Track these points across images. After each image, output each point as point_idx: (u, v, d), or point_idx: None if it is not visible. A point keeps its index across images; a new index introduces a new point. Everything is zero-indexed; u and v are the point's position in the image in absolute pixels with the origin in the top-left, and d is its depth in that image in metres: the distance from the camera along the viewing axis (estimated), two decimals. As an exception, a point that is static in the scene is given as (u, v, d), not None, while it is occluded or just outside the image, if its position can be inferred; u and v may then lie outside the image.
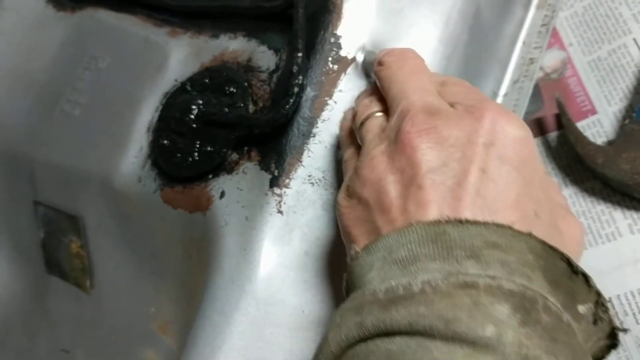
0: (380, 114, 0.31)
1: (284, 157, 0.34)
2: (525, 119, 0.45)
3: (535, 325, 0.22)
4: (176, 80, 0.41)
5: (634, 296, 0.37)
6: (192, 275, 0.37)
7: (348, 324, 0.24)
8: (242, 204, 0.35)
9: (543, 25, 0.41)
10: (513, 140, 0.26)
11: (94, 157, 0.43)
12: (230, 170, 0.36)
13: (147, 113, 0.41)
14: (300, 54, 0.34)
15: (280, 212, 0.34)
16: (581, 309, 0.24)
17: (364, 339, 0.23)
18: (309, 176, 0.34)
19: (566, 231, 0.27)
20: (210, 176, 0.36)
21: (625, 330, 0.26)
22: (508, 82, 0.41)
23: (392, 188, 0.26)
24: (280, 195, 0.34)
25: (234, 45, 0.40)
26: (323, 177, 0.35)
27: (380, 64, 0.33)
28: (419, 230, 0.24)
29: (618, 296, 0.37)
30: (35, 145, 0.46)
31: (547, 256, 0.24)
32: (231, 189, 0.35)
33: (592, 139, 0.42)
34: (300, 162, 0.34)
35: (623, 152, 0.38)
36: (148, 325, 0.40)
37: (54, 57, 0.49)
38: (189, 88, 0.39)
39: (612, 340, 0.25)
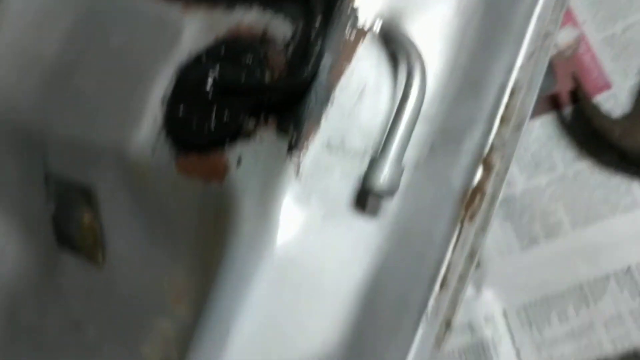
0: None
1: (302, 123, 0.34)
2: (539, 96, 0.45)
3: None
4: (190, 54, 0.41)
5: (652, 264, 0.37)
6: (208, 244, 0.37)
7: None
8: (260, 170, 0.34)
9: (558, -1, 0.41)
10: None
11: (107, 130, 0.43)
12: (247, 137, 0.36)
13: (161, 85, 0.41)
14: (319, 18, 0.34)
15: (298, 177, 0.34)
16: None
17: None
18: (327, 142, 0.34)
19: None
20: (227, 143, 0.36)
21: None
22: (523, 55, 0.40)
23: None
24: (298, 163, 0.34)
25: (249, 17, 0.40)
26: (341, 143, 0.35)
27: None
28: None
29: (637, 265, 0.37)
30: (47, 120, 0.46)
31: None
32: (248, 156, 0.35)
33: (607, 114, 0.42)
34: (318, 128, 0.34)
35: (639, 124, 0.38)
36: (162, 296, 0.40)
37: (66, 35, 0.49)
38: (204, 59, 0.39)
39: None
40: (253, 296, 0.32)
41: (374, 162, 0.33)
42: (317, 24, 0.34)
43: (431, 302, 0.35)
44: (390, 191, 0.32)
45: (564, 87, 0.44)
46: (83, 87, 0.46)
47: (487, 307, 0.40)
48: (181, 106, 0.38)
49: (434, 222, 0.37)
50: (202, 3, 0.43)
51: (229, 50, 0.38)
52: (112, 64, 0.45)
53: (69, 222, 0.45)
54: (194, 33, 0.42)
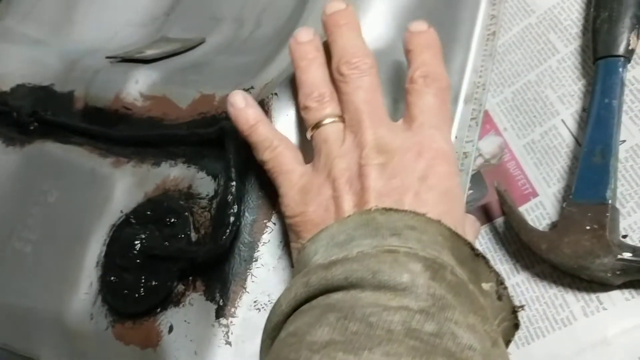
0: (334, 119, 0.34)
1: (227, 285, 0.35)
2: (471, 207, 0.46)
3: (442, 281, 0.27)
4: (121, 212, 0.41)
5: (596, 382, 0.37)
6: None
7: (297, 285, 0.28)
8: (190, 338, 0.34)
9: (472, 119, 0.43)
10: (441, 175, 0.32)
11: (46, 296, 0.43)
12: (177, 303, 0.36)
13: (96, 247, 0.41)
14: (233, 183, 0.35)
15: (228, 342, 0.34)
16: (485, 286, 0.30)
17: (309, 298, 0.28)
18: (255, 302, 0.35)
19: (467, 227, 0.34)
20: (159, 310, 0.36)
21: (522, 307, 0.32)
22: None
23: (347, 202, 0.31)
24: (227, 326, 0.34)
25: (174, 173, 0.41)
26: (269, 301, 0.35)
27: (340, 66, 0.35)
28: (354, 218, 0.30)
29: (579, 385, 0.37)
30: (-11, 287, 0.46)
31: (453, 239, 0.30)
32: (179, 322, 0.35)
33: (536, 222, 0.43)
34: (245, 288, 0.35)
35: (565, 236, 0.39)
36: None
37: (4, 193, 0.50)
38: (133, 221, 0.40)
39: (514, 320, 0.30)
40: None
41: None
42: (232, 188, 0.35)
43: None
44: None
45: (494, 197, 0.45)
46: (22, 249, 0.46)
47: None
48: (113, 272, 0.39)
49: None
50: (132, 158, 0.44)
51: (155, 211, 0.39)
52: (50, 222, 0.46)
53: (16, 393, 0.44)
54: (125, 189, 0.43)
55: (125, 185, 0.43)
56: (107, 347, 0.38)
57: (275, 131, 0.36)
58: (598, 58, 0.44)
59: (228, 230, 0.34)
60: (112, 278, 0.38)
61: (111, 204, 0.43)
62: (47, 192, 0.47)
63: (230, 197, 0.35)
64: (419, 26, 0.37)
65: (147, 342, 0.36)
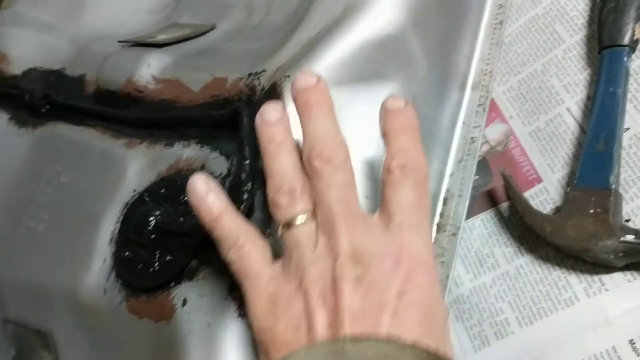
0: (306, 216, 0.32)
1: (240, 261, 0.35)
2: (476, 193, 0.47)
3: None
4: (135, 191, 0.42)
5: (597, 361, 0.38)
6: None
7: None
8: (204, 311, 0.35)
9: (480, 105, 0.44)
10: (421, 287, 0.30)
11: (59, 272, 0.43)
12: (191, 277, 0.37)
13: (109, 225, 0.42)
14: (247, 161, 0.36)
15: (241, 315, 0.34)
16: None
17: None
18: (267, 277, 0.35)
19: (449, 340, 0.31)
20: (172, 284, 0.37)
21: None
22: (452, 162, 0.43)
23: (319, 321, 0.29)
24: (240, 299, 0.35)
25: (187, 153, 0.42)
26: (280, 276, 0.36)
27: (312, 159, 0.32)
28: (323, 348, 0.28)
29: (582, 361, 0.38)
30: (1, 263, 0.47)
31: None
32: (193, 296, 0.36)
33: (540, 207, 0.44)
34: (257, 264, 0.35)
35: (568, 220, 0.40)
36: None
37: (18, 174, 0.51)
38: (146, 199, 0.41)
39: None
40: None
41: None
42: (246, 166, 0.35)
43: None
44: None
45: (499, 183, 0.46)
46: (35, 227, 0.47)
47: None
48: (127, 248, 0.40)
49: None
50: (144, 139, 0.45)
51: (169, 189, 0.40)
52: (63, 201, 0.47)
53: (28, 367, 0.45)
54: (138, 169, 0.43)
55: (138, 166, 0.44)
56: (120, 320, 0.39)
57: (241, 223, 0.33)
58: (603, 48, 0.45)
59: (242, 207, 0.35)
60: (127, 254, 0.39)
61: (124, 183, 0.43)
62: (59, 172, 0.48)
63: (244, 175, 0.35)
64: (396, 103, 0.34)
65: (161, 315, 0.37)
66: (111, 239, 0.42)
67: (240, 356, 0.34)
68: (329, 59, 0.39)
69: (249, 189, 0.35)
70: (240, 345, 0.34)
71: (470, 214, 0.46)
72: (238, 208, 0.35)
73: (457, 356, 0.42)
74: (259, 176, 0.37)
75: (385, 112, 0.34)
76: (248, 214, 0.36)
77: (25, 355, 0.45)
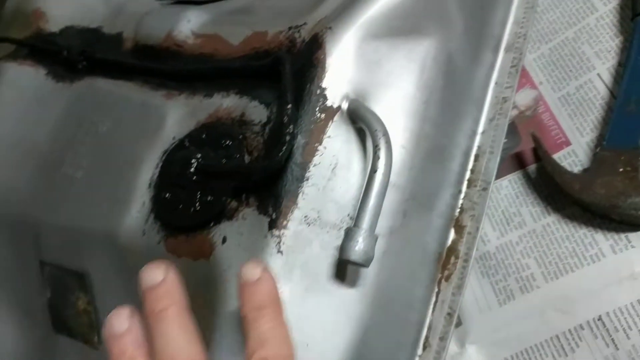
0: None
1: (280, 200, 0.36)
2: (505, 155, 0.48)
3: None
4: (174, 138, 0.43)
5: (622, 313, 0.39)
6: (200, 318, 0.38)
7: None
8: (244, 247, 0.37)
9: (512, 66, 0.45)
10: None
11: (97, 216, 0.45)
12: (230, 217, 0.38)
13: (148, 171, 0.43)
14: (289, 106, 0.37)
15: (280, 252, 0.36)
16: None
17: None
18: (305, 217, 0.37)
19: None
20: (212, 224, 0.38)
21: None
22: (484, 120, 0.43)
23: None
24: (279, 237, 0.36)
25: (227, 103, 0.43)
26: (318, 217, 0.37)
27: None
28: None
29: (607, 313, 0.39)
30: (40, 208, 0.48)
31: None
32: (232, 234, 0.37)
33: (568, 168, 0.45)
34: (296, 204, 0.37)
35: (598, 178, 0.41)
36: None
37: (56, 125, 0.52)
38: (187, 144, 0.42)
39: None
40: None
41: (349, 233, 0.35)
42: (288, 110, 0.37)
43: (415, 364, 0.37)
44: (366, 260, 0.34)
45: (527, 146, 0.47)
46: (73, 174, 0.48)
47: (472, 362, 0.41)
48: (167, 190, 0.41)
49: (412, 286, 0.39)
50: (183, 91, 0.46)
51: (210, 135, 0.41)
52: (101, 150, 0.48)
53: (64, 307, 0.46)
54: (177, 118, 0.45)
55: (177, 115, 0.45)
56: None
57: None
58: (637, 14, 0.45)
59: (284, 148, 0.36)
60: (167, 195, 0.40)
61: (163, 131, 0.44)
62: (97, 123, 0.49)
63: (286, 119, 0.37)
64: (249, 272, 0.30)
65: (200, 253, 0.38)
66: (150, 184, 0.43)
67: (280, 292, 0.35)
68: (370, 12, 0.40)
69: (290, 131, 0.36)
70: (278, 279, 0.35)
71: (499, 175, 0.47)
72: (280, 149, 0.36)
73: (483, 310, 0.43)
74: (299, 122, 0.38)
75: (240, 287, 0.30)
76: (288, 156, 0.37)
77: (61, 297, 0.47)
